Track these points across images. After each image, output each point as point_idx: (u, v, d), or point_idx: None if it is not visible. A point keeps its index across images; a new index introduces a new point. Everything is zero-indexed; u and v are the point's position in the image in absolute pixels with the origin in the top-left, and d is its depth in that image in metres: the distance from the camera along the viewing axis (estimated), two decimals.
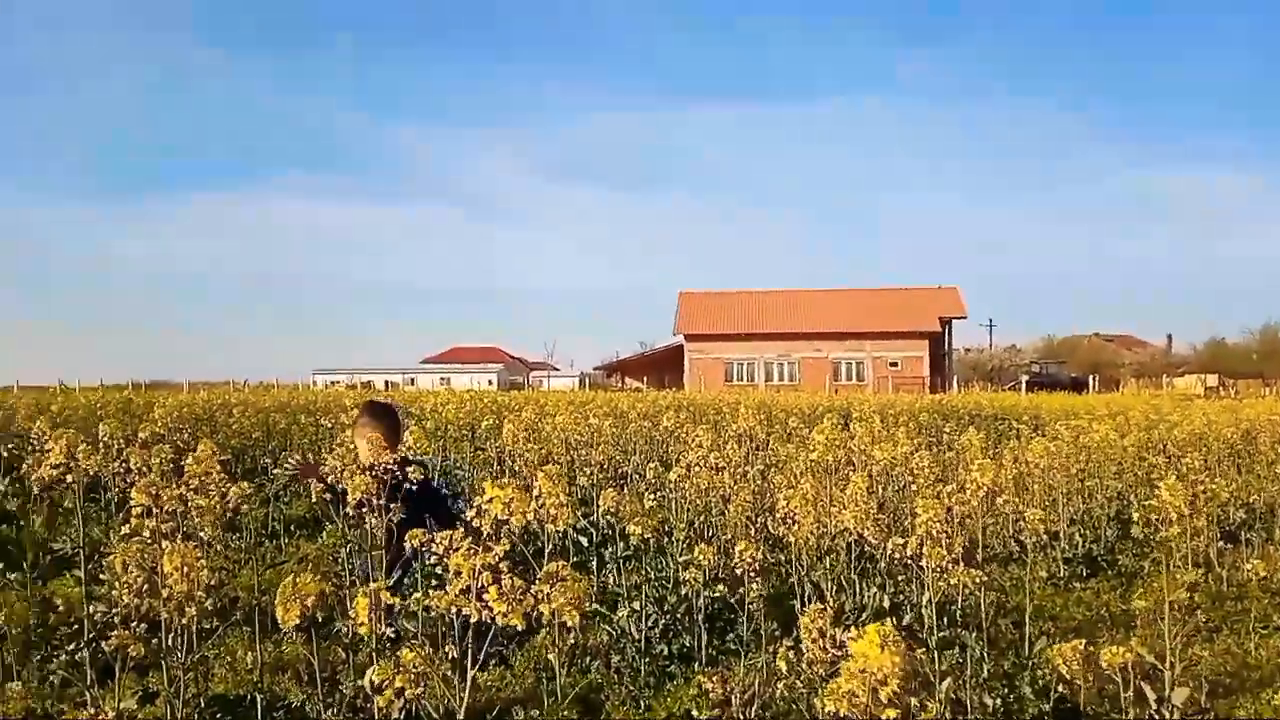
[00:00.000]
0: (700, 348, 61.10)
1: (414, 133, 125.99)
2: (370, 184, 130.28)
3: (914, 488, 5.99)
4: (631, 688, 4.32)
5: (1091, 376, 56.67)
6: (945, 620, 4.64)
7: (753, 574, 4.08)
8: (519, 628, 2.16)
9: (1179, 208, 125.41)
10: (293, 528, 8.07)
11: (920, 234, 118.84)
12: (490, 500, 2.22)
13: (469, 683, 2.43)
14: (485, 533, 2.16)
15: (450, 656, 2.26)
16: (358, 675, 3.59)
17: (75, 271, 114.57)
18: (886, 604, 5.62)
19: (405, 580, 4.69)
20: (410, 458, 4.73)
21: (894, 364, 58.95)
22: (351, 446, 5.05)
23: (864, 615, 5.46)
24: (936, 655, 3.73)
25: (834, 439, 5.59)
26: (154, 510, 2.96)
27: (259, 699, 3.67)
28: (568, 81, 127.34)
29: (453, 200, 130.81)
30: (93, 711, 2.98)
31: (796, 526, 4.47)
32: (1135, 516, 7.10)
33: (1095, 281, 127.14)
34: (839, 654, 3.24)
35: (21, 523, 7.12)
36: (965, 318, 62.20)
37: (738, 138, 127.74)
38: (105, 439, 4.81)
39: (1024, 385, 48.11)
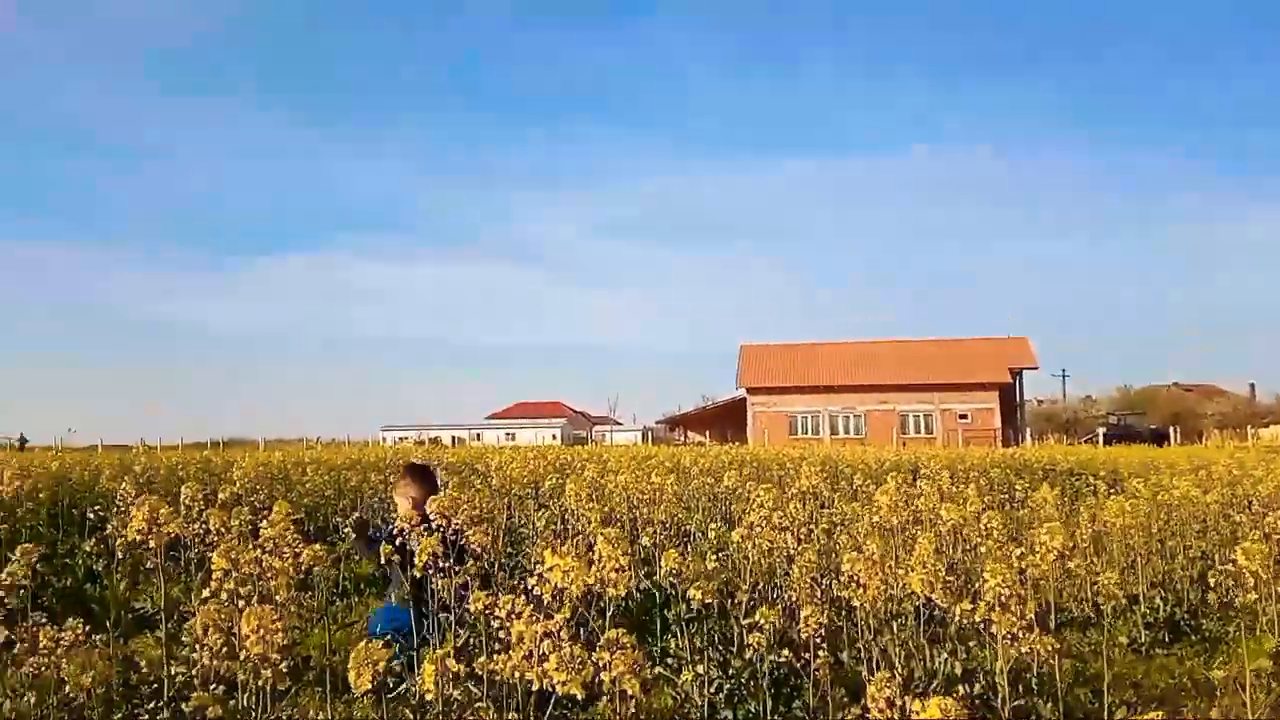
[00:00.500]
0: (763, 401, 60.72)
1: (479, 194, 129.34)
2: (437, 245, 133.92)
3: (984, 549, 5.86)
4: None
5: (1172, 428, 54.66)
6: (1019, 688, 4.51)
7: (818, 639, 4.03)
8: (579, 696, 2.19)
9: (1260, 252, 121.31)
10: (362, 585, 8.21)
11: (988, 284, 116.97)
12: (550, 569, 2.27)
13: None
14: (545, 600, 2.21)
15: None
16: None
17: (155, 332, 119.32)
18: (958, 670, 5.47)
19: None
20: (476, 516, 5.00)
21: (963, 416, 57.72)
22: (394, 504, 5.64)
23: (934, 683, 5.32)
24: None
25: (898, 499, 5.51)
26: (232, 573, 3.08)
27: None
28: (628, 139, 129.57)
29: (517, 259, 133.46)
30: None
31: (861, 590, 4.41)
32: (1212, 581, 6.83)
33: (1172, 329, 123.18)
34: None
35: (105, 583, 7.39)
36: (1037, 368, 60.81)
37: (801, 191, 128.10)
38: (186, 501, 5.00)
39: (1101, 438, 46.61)
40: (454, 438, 65.86)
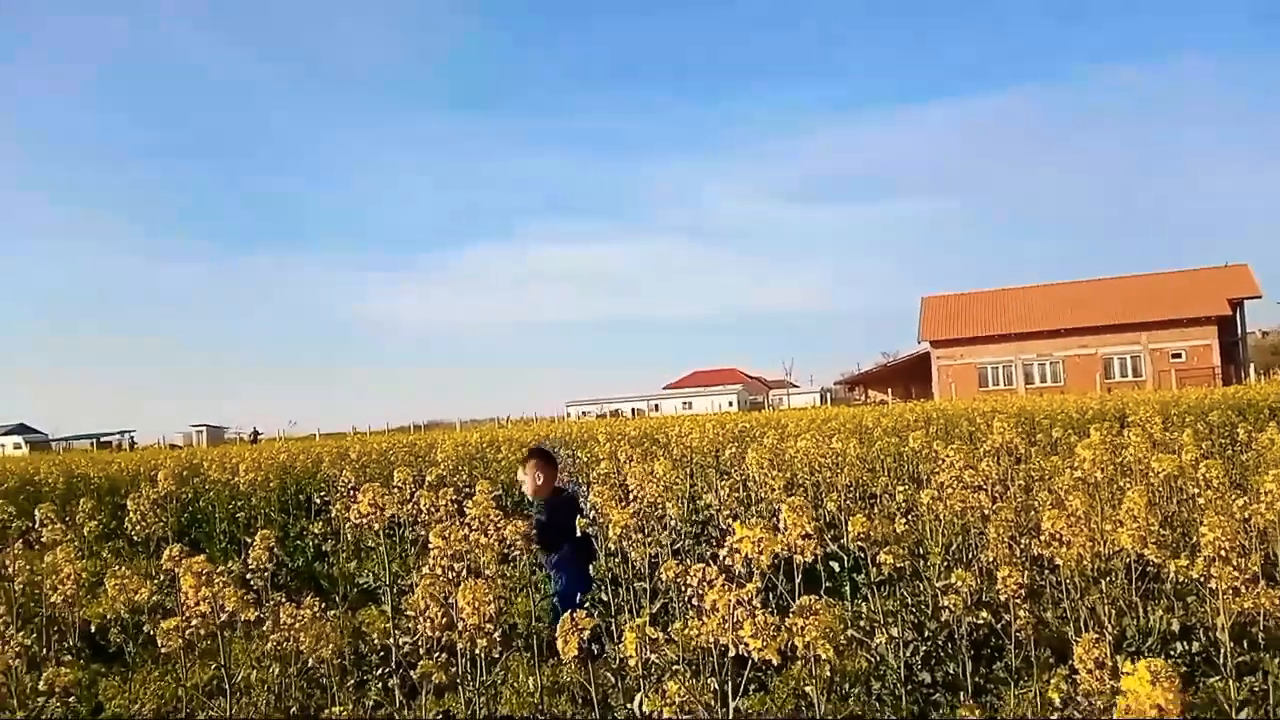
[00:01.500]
0: (948, 353, 58.25)
1: (648, 169, 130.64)
2: (612, 224, 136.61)
3: (1202, 500, 5.44)
4: (894, 716, 4.26)
5: None
6: (1244, 644, 4.19)
7: (1019, 600, 3.90)
8: (774, 662, 2.25)
9: None
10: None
11: (1201, 210, 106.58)
12: (740, 540, 2.33)
13: (730, 711, 2.54)
14: (737, 570, 2.27)
15: (712, 687, 2.38)
16: (626, 699, 3.82)
17: (360, 328, 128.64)
18: (1175, 628, 5.15)
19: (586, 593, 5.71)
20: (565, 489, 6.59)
21: (1177, 355, 53.17)
22: (521, 479, 6.52)
23: (1149, 640, 5.03)
24: (1233, 683, 3.40)
25: (1103, 452, 5.20)
26: (446, 550, 3.34)
27: None
28: (789, 99, 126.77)
29: (686, 230, 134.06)
30: None
31: (1065, 549, 4.22)
32: None
33: None
34: (1119, 686, 3.05)
35: (332, 561, 8.12)
36: (1260, 297, 54.91)
37: (977, 135, 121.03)
38: (399, 484, 5.41)
39: None
40: (633, 409, 67.30)
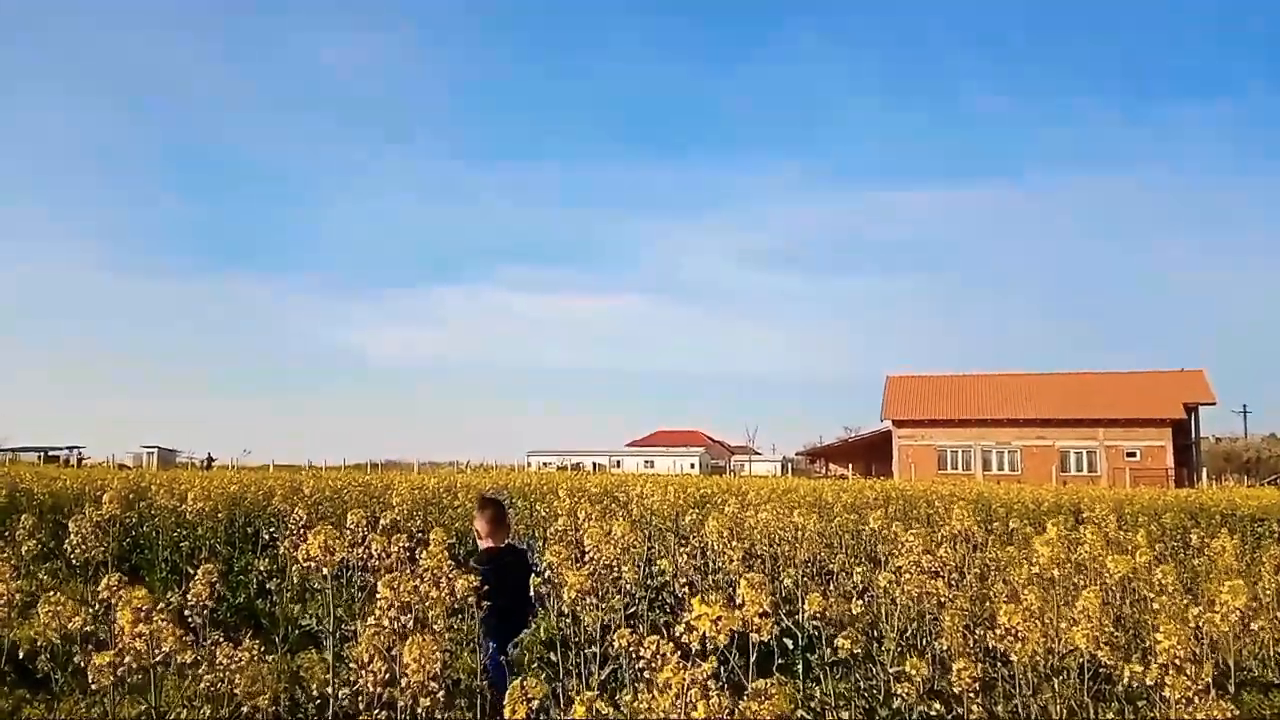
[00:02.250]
0: (910, 434, 58.77)
1: (621, 226, 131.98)
2: (584, 274, 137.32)
3: (1156, 605, 5.47)
4: None
5: None
6: None
7: (973, 694, 3.87)
8: None
9: None
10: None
11: (1159, 315, 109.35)
12: (698, 617, 2.29)
13: None
14: (693, 648, 2.23)
15: None
16: None
17: (322, 360, 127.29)
18: None
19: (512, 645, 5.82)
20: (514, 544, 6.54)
21: (1132, 454, 54.04)
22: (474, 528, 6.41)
23: None
24: None
25: (1060, 551, 5.23)
26: (394, 603, 3.25)
27: None
28: (771, 169, 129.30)
29: (658, 289, 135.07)
30: None
31: (1020, 644, 4.20)
32: None
33: None
34: None
35: (275, 600, 7.89)
36: (1214, 404, 56.22)
37: (949, 220, 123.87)
38: (351, 526, 5.31)
39: None
40: (594, 464, 66.88)
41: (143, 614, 2.91)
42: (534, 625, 6.30)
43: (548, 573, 4.84)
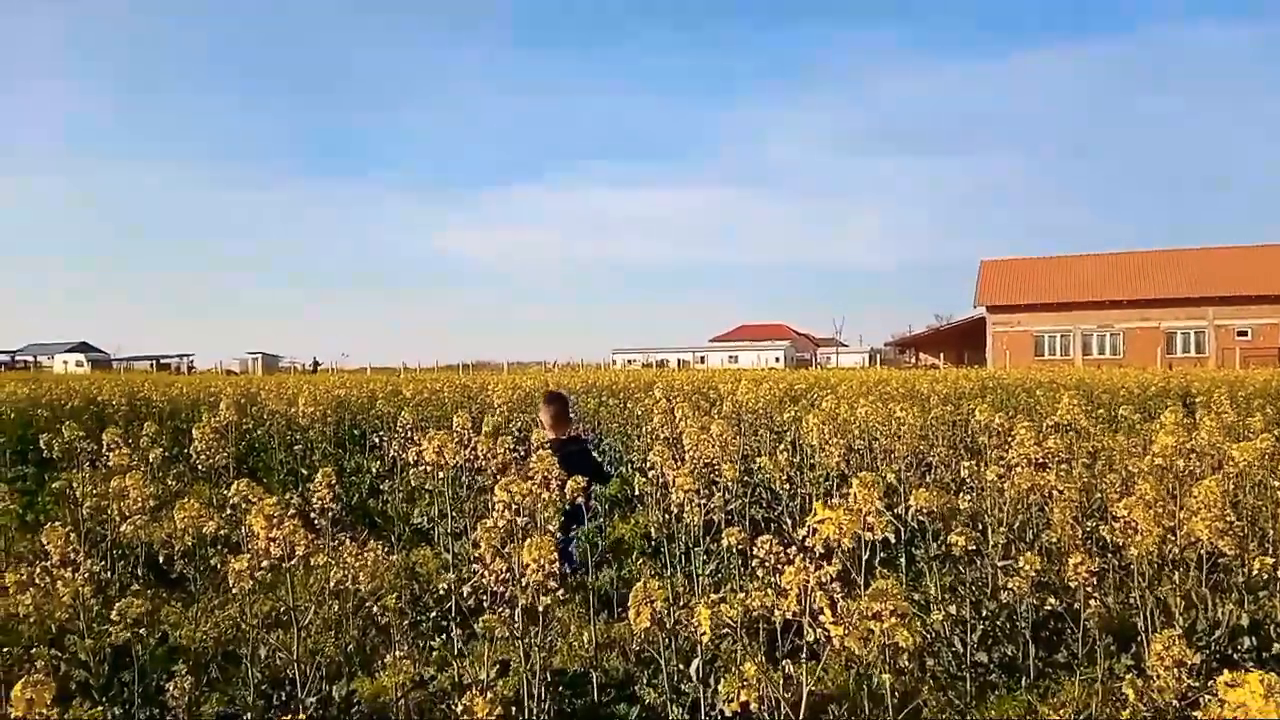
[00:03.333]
0: (1005, 320, 57.07)
1: (716, 115, 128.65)
2: (670, 167, 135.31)
3: (1278, 495, 5.24)
4: (950, 695, 4.20)
5: None
6: None
7: (1090, 587, 3.79)
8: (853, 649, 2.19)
9: None
10: (609, 507, 8.64)
11: (1274, 184, 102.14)
12: (822, 521, 2.26)
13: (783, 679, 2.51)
14: (818, 551, 2.21)
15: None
16: (681, 661, 3.81)
17: (405, 260, 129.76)
18: (1245, 622, 5.00)
19: (574, 529, 5.95)
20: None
21: (1243, 333, 51.50)
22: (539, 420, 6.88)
23: (1217, 633, 4.89)
24: None
25: (1182, 437, 5.02)
26: (510, 504, 3.32)
27: (594, 675, 4.00)
28: (872, 44, 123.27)
29: (743, 178, 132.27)
30: (461, 679, 3.42)
31: (1137, 537, 4.08)
32: None
33: None
34: (1196, 685, 2.95)
35: (387, 499, 8.24)
36: None
37: (1051, 88, 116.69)
38: (458, 429, 5.43)
39: None
40: (679, 360, 67.25)
41: (274, 519, 3.04)
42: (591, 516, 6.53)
43: (651, 472, 4.89)
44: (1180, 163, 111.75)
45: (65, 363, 74.06)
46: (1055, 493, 5.22)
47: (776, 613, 2.31)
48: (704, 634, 2.31)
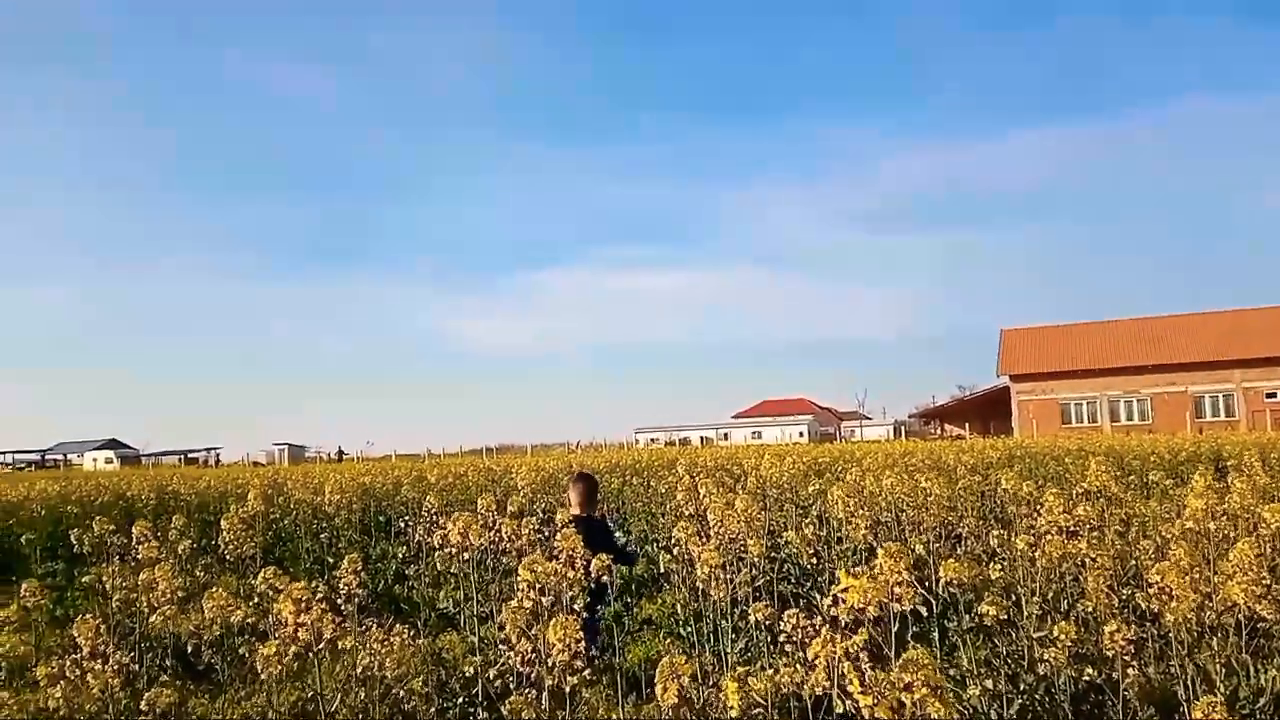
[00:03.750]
0: (1029, 388, 56.60)
1: (730, 196, 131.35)
2: (683, 249, 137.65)
3: None
4: None
5: None
6: None
7: (1128, 656, 3.72)
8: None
9: None
10: (634, 586, 8.56)
11: None
12: (846, 589, 2.27)
13: None
14: (843, 621, 2.21)
15: None
16: None
17: (436, 347, 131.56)
18: None
19: (599, 608, 5.93)
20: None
21: (1272, 395, 50.74)
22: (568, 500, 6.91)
23: (1261, 701, 4.75)
24: None
25: (1213, 500, 4.96)
26: (534, 584, 3.33)
27: None
28: (877, 127, 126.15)
29: (760, 258, 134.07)
30: None
31: (1173, 602, 4.01)
32: None
33: None
34: None
35: (413, 584, 8.21)
36: None
37: (1059, 160, 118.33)
38: (482, 510, 5.46)
39: None
40: (702, 438, 66.97)
41: (303, 604, 3.07)
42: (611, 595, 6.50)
43: (676, 549, 4.88)
44: (1196, 225, 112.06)
45: (95, 460, 74.81)
46: (1088, 560, 5.15)
47: (805, 687, 2.29)
48: (732, 709, 2.30)
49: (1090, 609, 4.95)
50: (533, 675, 3.27)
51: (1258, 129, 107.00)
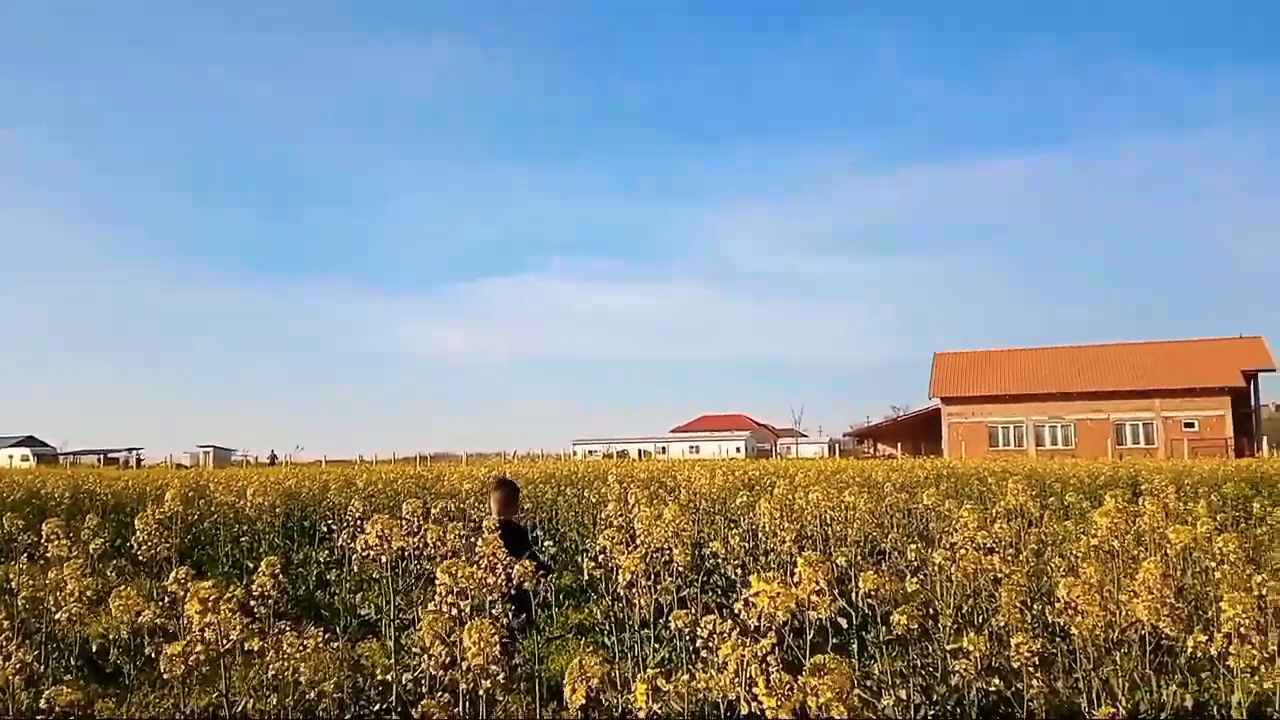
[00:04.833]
0: (959, 411, 57.96)
1: (682, 214, 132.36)
2: (629, 265, 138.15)
3: (1218, 575, 5.36)
4: None
5: None
6: None
7: (1032, 668, 3.83)
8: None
9: None
10: (561, 596, 8.53)
11: (1215, 282, 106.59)
12: (757, 593, 2.30)
13: None
14: (753, 625, 2.24)
15: None
16: None
17: (373, 354, 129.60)
18: (1189, 703, 5.04)
19: (521, 615, 5.65)
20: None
21: (1190, 424, 52.77)
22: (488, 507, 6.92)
23: (1162, 715, 4.92)
24: None
25: (1120, 522, 5.14)
26: (453, 589, 3.31)
27: None
28: (816, 150, 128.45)
29: (700, 275, 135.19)
30: None
31: (1080, 618, 4.15)
32: None
33: None
34: None
35: (335, 590, 8.06)
36: (1275, 370, 54.59)
37: (1002, 191, 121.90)
38: (407, 515, 5.39)
39: None
40: (639, 451, 67.05)
41: (210, 604, 3.00)
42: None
43: (600, 556, 4.88)
44: (1126, 261, 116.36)
45: (11, 457, 71.88)
46: (1003, 576, 5.29)
47: (714, 689, 2.32)
48: (641, 710, 2.31)
49: (1004, 624, 5.09)
50: (447, 679, 3.24)
51: (1193, 169, 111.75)
